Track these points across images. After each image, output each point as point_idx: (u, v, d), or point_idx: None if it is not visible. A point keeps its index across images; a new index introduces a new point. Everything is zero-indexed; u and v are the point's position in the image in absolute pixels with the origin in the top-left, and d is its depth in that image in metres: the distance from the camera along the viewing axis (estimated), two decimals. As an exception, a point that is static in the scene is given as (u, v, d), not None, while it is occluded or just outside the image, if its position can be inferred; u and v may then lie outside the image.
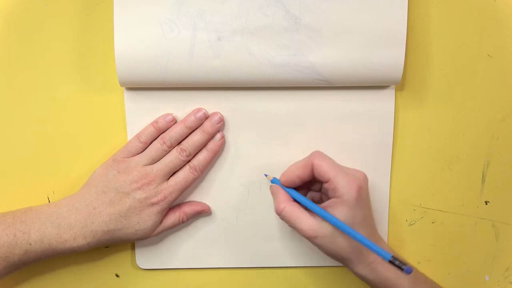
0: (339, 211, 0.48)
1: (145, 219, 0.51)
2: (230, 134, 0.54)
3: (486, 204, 0.58)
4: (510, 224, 0.58)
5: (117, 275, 0.57)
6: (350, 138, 0.55)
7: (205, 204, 0.55)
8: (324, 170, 0.48)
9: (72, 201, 0.50)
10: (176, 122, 0.53)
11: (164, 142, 0.51)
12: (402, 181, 0.57)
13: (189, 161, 0.52)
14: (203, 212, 0.55)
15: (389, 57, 0.50)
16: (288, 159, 0.53)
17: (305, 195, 0.53)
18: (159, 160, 0.52)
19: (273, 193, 0.52)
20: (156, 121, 0.52)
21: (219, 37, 0.49)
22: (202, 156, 0.53)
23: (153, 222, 0.51)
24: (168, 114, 0.52)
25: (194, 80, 0.51)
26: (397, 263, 0.45)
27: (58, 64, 0.53)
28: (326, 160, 0.49)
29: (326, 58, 0.50)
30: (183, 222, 0.54)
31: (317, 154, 0.50)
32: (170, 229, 0.54)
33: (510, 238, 0.58)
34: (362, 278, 0.51)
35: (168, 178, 0.52)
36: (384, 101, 0.54)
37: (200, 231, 0.56)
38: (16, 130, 0.54)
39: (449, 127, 0.56)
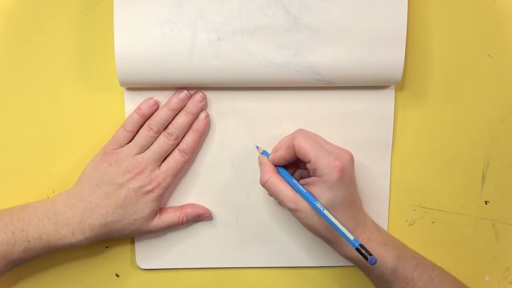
0: (319, 191, 0.48)
1: (142, 208, 0.51)
2: (230, 134, 0.54)
3: (486, 204, 0.58)
4: (510, 224, 0.58)
5: (117, 275, 0.57)
6: (350, 138, 0.55)
7: (206, 208, 0.55)
8: (305, 151, 0.48)
9: (68, 196, 0.51)
10: (159, 106, 0.53)
11: (151, 128, 0.51)
12: (402, 181, 0.57)
13: (177, 144, 0.52)
14: (204, 216, 0.55)
15: (389, 57, 0.50)
16: (288, 159, 0.53)
17: (293, 172, 0.53)
18: (148, 147, 0.51)
19: (260, 163, 0.52)
20: (139, 108, 0.52)
21: (219, 37, 0.49)
22: (190, 138, 0.52)
23: (150, 210, 0.51)
24: (149, 99, 0.52)
25: (194, 80, 0.51)
26: (363, 252, 0.45)
27: (58, 64, 0.53)
28: (307, 141, 0.49)
29: (326, 58, 0.50)
30: (182, 223, 0.54)
31: (299, 134, 0.49)
32: (169, 228, 0.54)
33: (510, 238, 0.58)
34: (344, 257, 0.51)
35: (160, 164, 0.52)
36: (384, 101, 0.54)
37: (200, 231, 0.56)
38: (16, 130, 0.54)
39: (449, 127, 0.56)
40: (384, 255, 0.50)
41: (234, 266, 0.58)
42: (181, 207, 0.55)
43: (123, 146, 0.52)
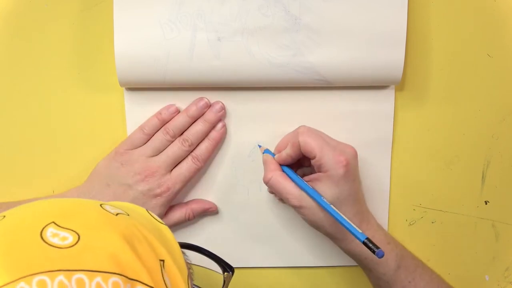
0: (324, 186, 0.48)
1: None
2: (230, 134, 0.54)
3: (486, 204, 0.58)
4: (510, 224, 0.58)
5: (117, 275, 0.57)
6: (350, 138, 0.54)
7: (212, 202, 0.55)
8: (310, 147, 0.48)
9: (78, 193, 0.51)
10: (179, 112, 0.53)
11: (167, 132, 0.51)
12: (402, 181, 0.57)
13: (191, 151, 0.52)
14: (210, 210, 0.55)
15: (389, 57, 0.50)
16: (288, 159, 0.53)
17: (296, 170, 0.53)
18: (162, 150, 0.51)
19: (264, 162, 0.52)
20: (159, 113, 0.52)
21: (219, 37, 0.49)
22: (204, 146, 0.52)
23: (157, 214, 0.51)
24: (171, 105, 0.52)
25: (194, 81, 0.51)
26: (370, 245, 0.44)
27: (58, 64, 0.53)
28: (312, 137, 0.49)
29: (326, 58, 0.50)
30: (189, 219, 0.54)
31: (303, 130, 0.49)
32: (176, 226, 0.54)
33: (510, 238, 0.58)
34: (348, 253, 0.51)
35: (172, 170, 0.52)
36: (384, 101, 0.54)
37: (200, 231, 0.56)
38: (16, 130, 0.54)
39: (449, 127, 0.56)
40: (387, 254, 0.50)
41: (234, 266, 0.58)
42: (187, 203, 0.55)
43: (137, 148, 0.52)
